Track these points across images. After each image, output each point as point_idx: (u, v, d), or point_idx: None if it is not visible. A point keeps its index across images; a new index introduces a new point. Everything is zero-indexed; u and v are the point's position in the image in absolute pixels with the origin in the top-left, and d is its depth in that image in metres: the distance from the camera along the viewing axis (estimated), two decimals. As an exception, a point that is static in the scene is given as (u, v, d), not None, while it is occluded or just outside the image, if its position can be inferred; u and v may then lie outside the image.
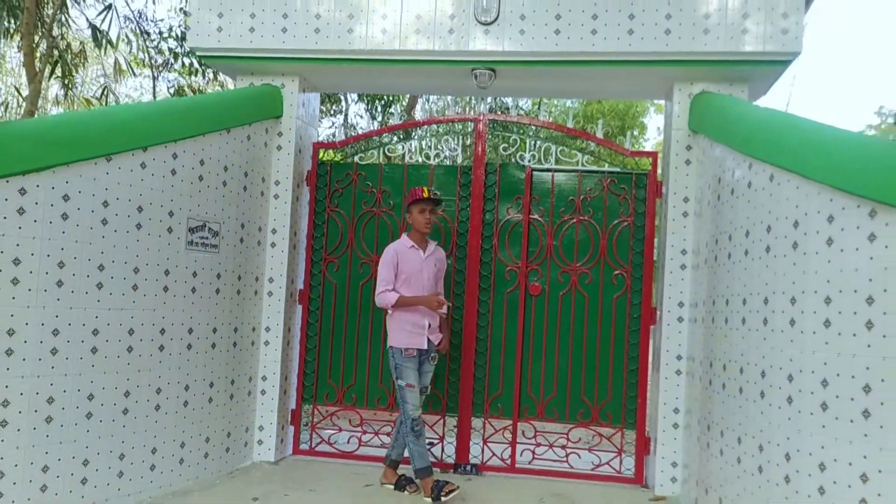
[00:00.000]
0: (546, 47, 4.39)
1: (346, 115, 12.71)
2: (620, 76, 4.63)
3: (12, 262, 3.20)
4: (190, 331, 4.12)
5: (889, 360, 2.51)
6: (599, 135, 4.85)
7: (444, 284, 4.54)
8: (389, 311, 4.17)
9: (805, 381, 2.83)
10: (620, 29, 4.31)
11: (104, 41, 8.75)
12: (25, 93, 9.18)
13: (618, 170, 4.93)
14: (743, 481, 3.25)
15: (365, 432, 4.95)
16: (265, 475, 4.47)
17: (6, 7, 8.10)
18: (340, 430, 5.03)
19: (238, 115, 4.49)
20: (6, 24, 8.35)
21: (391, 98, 11.17)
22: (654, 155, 4.82)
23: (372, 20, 4.56)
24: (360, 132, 10.83)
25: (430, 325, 4.16)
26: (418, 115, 13.15)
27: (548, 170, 4.84)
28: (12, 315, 3.20)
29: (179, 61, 10.05)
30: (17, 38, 9.00)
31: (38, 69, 8.43)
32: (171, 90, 10.56)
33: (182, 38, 9.57)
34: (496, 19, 4.43)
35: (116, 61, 10.14)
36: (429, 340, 4.17)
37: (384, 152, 5.19)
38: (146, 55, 10.13)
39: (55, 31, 8.78)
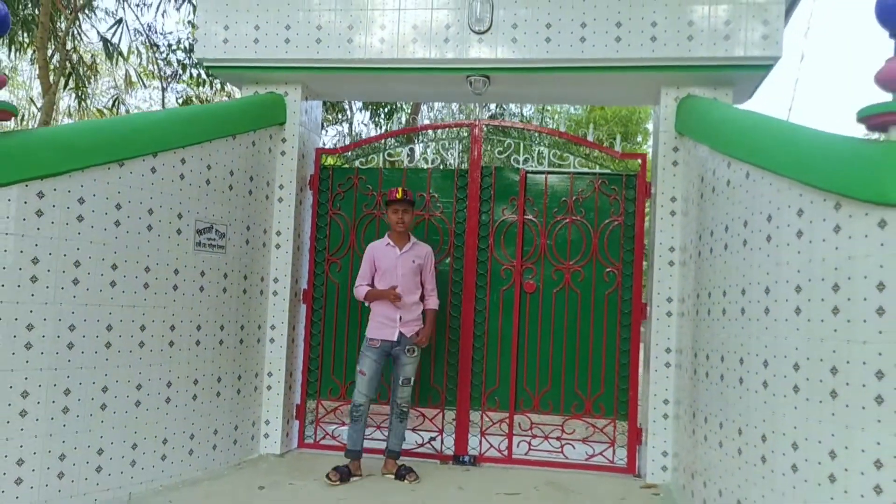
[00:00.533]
0: (537, 54, 4.58)
1: (350, 124, 12.95)
2: (609, 82, 4.80)
3: (31, 261, 3.40)
4: (198, 328, 4.31)
5: (853, 343, 2.66)
6: (591, 139, 5.03)
7: (441, 282, 4.71)
8: (366, 304, 4.50)
9: (779, 365, 2.98)
10: (608, 36, 4.49)
11: (115, 54, 9.03)
12: (39, 104, 9.45)
13: (608, 171, 5.11)
14: (724, 464, 3.41)
15: (367, 426, 5.10)
16: (271, 466, 4.65)
17: (21, 21, 8.37)
18: (344, 423, 5.20)
19: (243, 123, 4.69)
20: (20, 37, 8.62)
21: (394, 106, 11.37)
22: (642, 157, 5.01)
23: (371, 30, 4.76)
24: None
25: (401, 319, 4.37)
26: (422, 122, 13.36)
27: (541, 172, 5.02)
28: (31, 311, 3.39)
29: (188, 72, 10.33)
30: (30, 51, 9.27)
31: (52, 81, 8.69)
32: (180, 100, 10.82)
33: (190, 50, 9.83)
34: (489, 28, 4.62)
35: (127, 73, 10.44)
36: (402, 333, 4.37)
37: (384, 157, 5.39)
38: (155, 67, 10.41)
39: (68, 45, 9.06)
